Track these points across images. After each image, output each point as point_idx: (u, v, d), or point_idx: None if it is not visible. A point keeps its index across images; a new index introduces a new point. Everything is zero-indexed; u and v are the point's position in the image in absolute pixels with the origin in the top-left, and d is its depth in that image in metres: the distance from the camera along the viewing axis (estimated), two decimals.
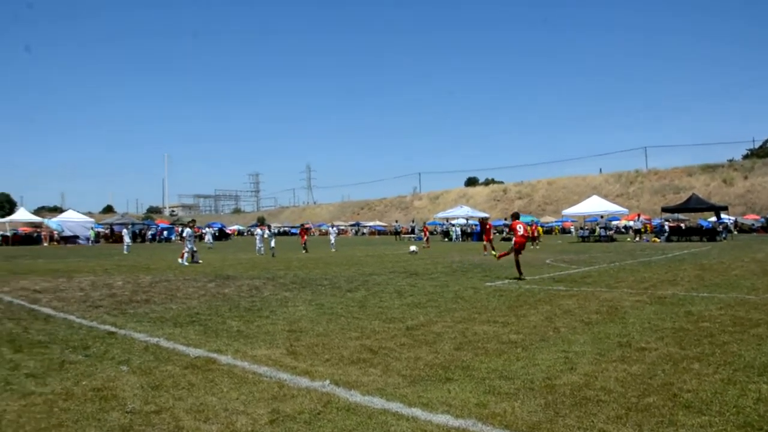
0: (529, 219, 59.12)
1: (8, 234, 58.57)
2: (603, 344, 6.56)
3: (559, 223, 79.88)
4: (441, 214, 65.94)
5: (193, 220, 29.39)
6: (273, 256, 27.49)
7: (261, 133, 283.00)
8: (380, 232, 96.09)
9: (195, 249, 23.77)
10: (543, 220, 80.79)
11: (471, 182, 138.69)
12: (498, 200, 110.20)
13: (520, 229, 14.85)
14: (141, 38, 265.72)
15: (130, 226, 47.42)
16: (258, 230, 26.48)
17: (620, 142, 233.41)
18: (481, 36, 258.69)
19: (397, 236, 66.30)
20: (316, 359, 6.03)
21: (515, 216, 15.99)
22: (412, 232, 71.20)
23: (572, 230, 69.37)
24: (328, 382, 5.13)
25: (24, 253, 35.89)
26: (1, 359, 6.21)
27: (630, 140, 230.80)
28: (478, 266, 14.98)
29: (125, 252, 34.32)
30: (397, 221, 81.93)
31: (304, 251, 32.34)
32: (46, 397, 4.81)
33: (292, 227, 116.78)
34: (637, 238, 45.10)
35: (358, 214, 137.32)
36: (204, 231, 48.34)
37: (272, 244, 28.88)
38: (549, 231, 75.74)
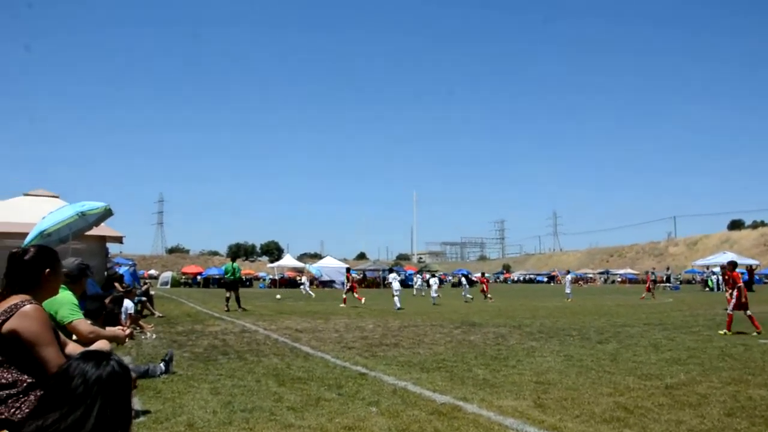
0: None
1: (276, 278, 64.91)
2: None
3: None
4: (700, 262, 60.34)
5: (391, 268, 30.47)
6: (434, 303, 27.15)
7: (506, 179, 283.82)
8: (631, 281, 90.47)
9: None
10: None
11: (735, 225, 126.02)
12: None
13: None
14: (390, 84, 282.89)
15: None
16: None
17: None
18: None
19: (652, 285, 61.91)
20: (566, 414, 5.70)
21: (734, 265, 14.45)
22: (668, 280, 66.06)
23: None
24: None
25: (288, 295, 39.36)
26: (267, 391, 6.77)
27: None
28: (746, 319, 13.36)
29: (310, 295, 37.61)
30: (654, 269, 76.74)
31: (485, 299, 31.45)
32: (303, 430, 5.13)
33: (538, 275, 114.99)
34: None
35: (608, 261, 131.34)
36: (416, 278, 48.02)
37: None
38: None
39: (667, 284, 62.95)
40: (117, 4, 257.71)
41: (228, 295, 21.67)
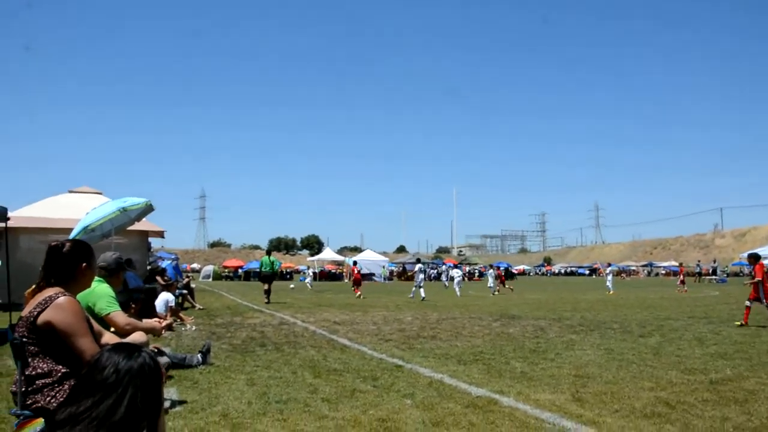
0: None
1: (316, 271, 65.44)
2: None
3: None
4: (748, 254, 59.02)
5: (418, 259, 30.75)
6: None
7: (547, 171, 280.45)
8: (676, 274, 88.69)
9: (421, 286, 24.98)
10: None
11: None
12: None
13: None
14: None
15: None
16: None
17: None
18: None
19: (698, 278, 60.81)
20: (604, 409, 5.58)
21: (756, 257, 14.19)
22: (714, 273, 64.62)
23: None
24: None
25: (328, 288, 39.66)
26: (303, 383, 6.79)
27: None
28: (764, 310, 13.11)
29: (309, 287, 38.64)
30: (699, 261, 75.23)
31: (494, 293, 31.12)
32: (337, 422, 5.10)
33: (579, 267, 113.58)
34: None
35: (651, 253, 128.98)
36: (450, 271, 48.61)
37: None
38: None
39: (714, 277, 61.59)
40: None
41: (266, 287, 21.90)
